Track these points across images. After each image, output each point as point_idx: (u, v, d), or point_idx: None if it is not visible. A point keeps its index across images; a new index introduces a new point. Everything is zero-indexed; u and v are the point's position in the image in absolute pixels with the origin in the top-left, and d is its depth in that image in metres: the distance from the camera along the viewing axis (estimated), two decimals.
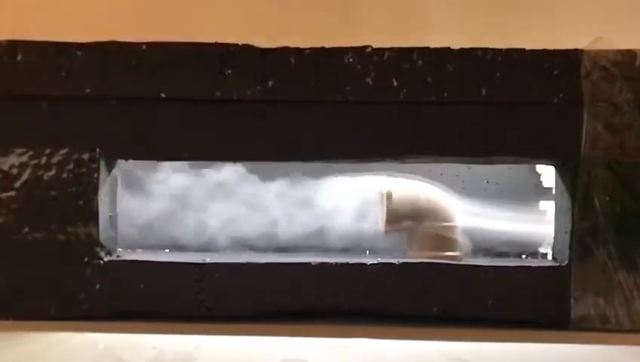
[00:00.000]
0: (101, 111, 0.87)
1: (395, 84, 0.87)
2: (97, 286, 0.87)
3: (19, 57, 0.87)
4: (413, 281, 0.87)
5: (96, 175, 0.87)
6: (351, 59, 0.87)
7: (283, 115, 0.88)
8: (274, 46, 0.87)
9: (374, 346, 0.80)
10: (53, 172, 0.87)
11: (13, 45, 0.87)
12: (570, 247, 0.87)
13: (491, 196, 1.04)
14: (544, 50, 0.87)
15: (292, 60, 0.87)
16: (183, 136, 0.88)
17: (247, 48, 0.87)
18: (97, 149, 0.87)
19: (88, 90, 0.87)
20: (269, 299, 0.87)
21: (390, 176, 0.99)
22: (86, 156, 0.87)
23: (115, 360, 0.72)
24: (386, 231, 0.97)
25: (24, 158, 0.87)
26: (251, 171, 1.01)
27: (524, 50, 0.87)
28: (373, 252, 1.01)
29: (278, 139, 0.88)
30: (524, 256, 1.03)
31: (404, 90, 0.87)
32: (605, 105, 0.86)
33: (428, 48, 0.87)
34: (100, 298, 0.87)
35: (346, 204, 1.02)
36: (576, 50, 0.87)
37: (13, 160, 0.87)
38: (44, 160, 0.87)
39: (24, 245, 0.87)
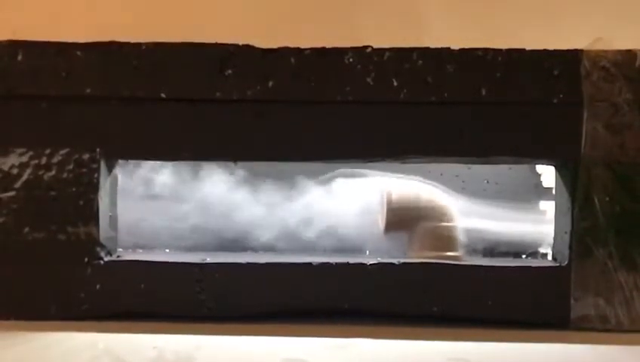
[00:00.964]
0: (101, 111, 0.87)
1: (395, 84, 0.87)
2: (98, 286, 0.87)
3: (19, 57, 0.87)
4: (413, 281, 0.87)
5: (96, 175, 0.87)
6: (351, 60, 0.87)
7: (283, 115, 0.88)
8: (274, 46, 0.87)
9: (374, 346, 0.80)
10: (53, 172, 0.87)
11: (14, 45, 0.87)
12: (570, 247, 0.87)
13: (491, 196, 1.04)
14: (544, 51, 0.87)
15: (292, 60, 0.87)
16: (184, 136, 0.88)
17: (247, 48, 0.87)
18: (97, 149, 0.87)
19: (88, 91, 0.87)
20: (270, 299, 0.87)
21: (390, 176, 0.99)
22: (86, 156, 0.87)
23: (115, 360, 0.72)
24: (386, 231, 0.97)
25: (24, 158, 0.87)
26: (251, 172, 1.01)
27: (524, 50, 0.87)
28: (374, 252, 1.01)
29: (278, 139, 0.88)
30: (524, 256, 1.04)
31: (405, 90, 0.87)
32: (605, 105, 0.86)
33: (428, 48, 0.87)
34: (101, 298, 0.87)
35: (347, 203, 1.02)
36: (576, 50, 0.87)
37: (13, 160, 0.87)
38: (44, 160, 0.87)
39: (24, 245, 0.87)
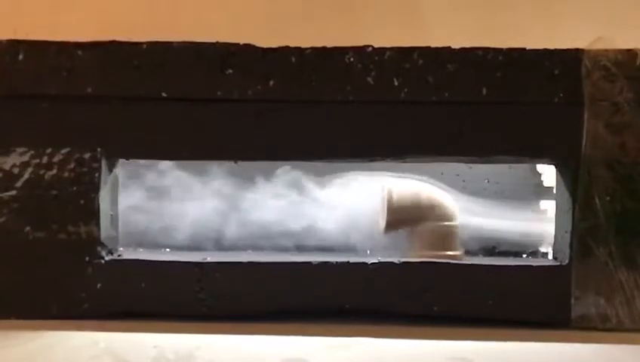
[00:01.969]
0: (102, 110, 0.87)
1: (395, 83, 0.87)
2: (98, 286, 0.87)
3: (20, 57, 0.87)
4: (413, 281, 0.87)
5: (97, 174, 0.87)
6: (352, 59, 0.87)
7: (284, 114, 0.88)
8: (275, 45, 0.87)
9: (375, 345, 0.80)
10: (54, 171, 0.87)
11: (15, 45, 0.87)
12: (571, 247, 0.87)
13: (492, 195, 1.04)
14: (545, 50, 0.87)
15: (293, 60, 0.87)
16: (184, 136, 0.88)
17: (248, 48, 0.87)
18: (98, 149, 0.87)
19: (89, 90, 0.87)
20: (270, 298, 0.87)
21: (391, 175, 0.99)
22: (87, 155, 0.87)
23: (115, 359, 0.72)
24: (387, 231, 0.97)
25: (25, 158, 0.88)
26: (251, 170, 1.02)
27: (524, 49, 0.87)
28: (374, 251, 1.01)
29: (279, 139, 0.88)
30: (524, 256, 1.04)
31: (405, 90, 0.87)
32: (606, 104, 0.86)
33: (429, 48, 0.87)
34: (101, 297, 0.87)
35: (347, 203, 1.02)
36: (577, 49, 0.87)
37: (14, 159, 0.88)
38: (45, 159, 0.87)
39: (25, 244, 0.87)
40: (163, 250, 1.00)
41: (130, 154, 0.90)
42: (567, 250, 0.88)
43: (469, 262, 0.91)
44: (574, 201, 0.87)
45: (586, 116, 0.87)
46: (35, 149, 0.87)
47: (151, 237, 1.00)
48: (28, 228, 0.87)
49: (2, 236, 0.87)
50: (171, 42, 0.87)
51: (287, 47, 0.87)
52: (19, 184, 0.87)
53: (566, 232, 0.89)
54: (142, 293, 0.87)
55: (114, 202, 0.92)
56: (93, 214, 0.87)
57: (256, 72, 0.87)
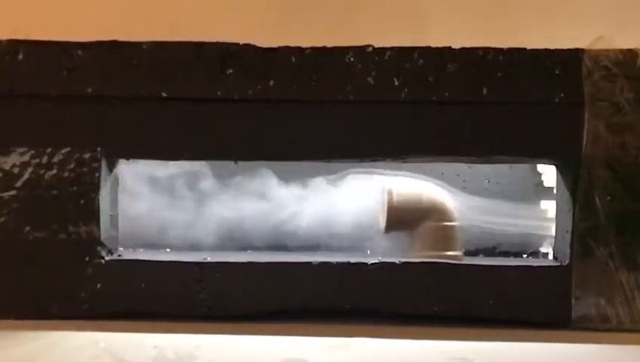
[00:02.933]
0: (102, 110, 0.87)
1: (396, 83, 0.87)
2: (98, 286, 0.87)
3: (20, 57, 0.87)
4: (414, 281, 0.87)
5: (97, 174, 0.87)
6: (352, 59, 0.87)
7: (284, 114, 0.88)
8: (275, 45, 0.87)
9: (375, 345, 0.79)
10: (54, 171, 0.87)
11: (15, 44, 0.87)
12: (571, 247, 0.87)
13: (492, 195, 1.04)
14: (545, 50, 0.87)
15: (293, 60, 0.87)
16: (184, 136, 0.88)
17: (248, 48, 0.87)
18: (98, 148, 0.87)
19: (89, 90, 0.87)
20: (270, 298, 0.87)
21: (391, 175, 0.99)
22: (87, 155, 0.87)
23: (115, 359, 0.72)
24: (387, 231, 0.97)
25: (25, 158, 0.87)
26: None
27: (525, 49, 0.87)
28: (374, 251, 1.01)
29: (279, 139, 0.88)
30: (525, 256, 1.04)
31: (405, 90, 0.87)
32: (606, 104, 0.86)
33: (429, 48, 0.87)
34: (101, 297, 0.87)
35: (348, 203, 1.02)
36: (577, 49, 0.87)
37: (14, 159, 0.87)
38: (45, 159, 0.87)
39: (25, 244, 0.87)
40: (163, 250, 1.00)
41: (130, 154, 0.90)
42: (568, 250, 0.88)
43: (469, 262, 0.91)
44: (575, 201, 0.87)
45: (586, 116, 0.86)
46: (35, 149, 0.87)
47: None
48: (28, 228, 0.87)
49: (2, 236, 0.87)
50: (171, 42, 0.87)
51: (287, 47, 0.87)
52: (19, 184, 0.87)
53: (566, 232, 0.89)
54: (142, 293, 0.87)
55: (114, 202, 0.92)
56: (94, 214, 0.87)
57: (256, 71, 0.87)
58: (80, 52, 0.87)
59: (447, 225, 0.96)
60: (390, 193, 0.96)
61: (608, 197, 0.86)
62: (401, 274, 0.88)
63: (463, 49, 0.87)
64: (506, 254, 1.04)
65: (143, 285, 0.87)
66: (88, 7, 1.13)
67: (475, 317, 0.87)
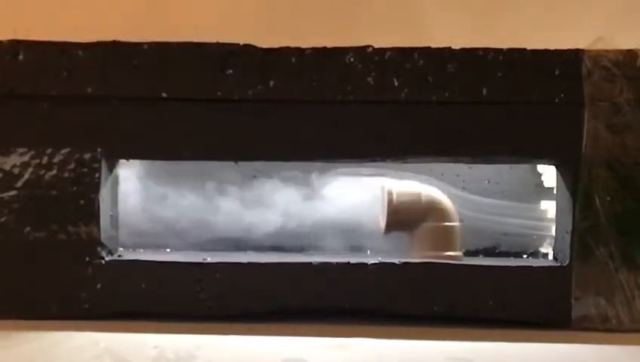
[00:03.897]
0: (102, 110, 0.87)
1: (395, 83, 0.87)
2: (98, 286, 0.87)
3: (20, 57, 0.87)
4: (414, 281, 0.87)
5: (97, 174, 0.87)
6: (352, 59, 0.87)
7: (284, 114, 0.88)
8: (275, 46, 0.87)
9: (375, 346, 0.80)
10: (54, 171, 0.87)
11: (15, 45, 0.87)
12: (571, 247, 0.87)
13: (492, 196, 1.04)
14: (545, 50, 0.87)
15: (293, 60, 0.87)
16: (184, 136, 0.88)
17: (248, 48, 0.87)
18: (98, 149, 0.87)
19: (90, 90, 0.87)
20: (270, 298, 0.87)
21: (391, 175, 0.99)
22: (87, 156, 0.87)
23: (116, 359, 0.72)
24: (387, 231, 0.97)
25: (25, 158, 0.88)
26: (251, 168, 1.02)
27: (525, 50, 0.87)
28: (374, 251, 1.01)
29: (279, 139, 0.88)
30: (525, 256, 1.04)
31: (405, 90, 0.87)
32: (606, 105, 0.86)
33: (429, 48, 0.87)
34: (101, 297, 0.87)
35: (348, 203, 1.02)
36: (577, 50, 0.87)
37: (14, 159, 0.88)
38: (45, 159, 0.87)
39: (25, 244, 0.87)
40: (163, 249, 1.00)
41: (130, 154, 0.90)
42: (568, 251, 0.88)
43: (469, 263, 0.91)
44: (575, 202, 0.87)
45: (586, 116, 0.86)
46: (35, 149, 0.87)
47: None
48: (28, 229, 0.87)
49: (2, 236, 0.87)
50: (171, 42, 0.87)
51: (287, 48, 0.87)
52: (19, 184, 0.87)
53: (566, 232, 0.89)
54: (142, 293, 0.87)
55: (114, 202, 0.92)
56: (94, 214, 0.87)
57: (256, 72, 0.87)
58: (80, 52, 0.87)
59: (447, 226, 0.96)
60: (390, 193, 0.96)
61: (608, 198, 0.86)
62: (402, 274, 0.88)
63: (463, 49, 0.87)
64: (506, 254, 1.04)
65: (143, 285, 0.87)
66: (88, 7, 1.13)
67: (475, 317, 0.87)
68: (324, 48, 0.87)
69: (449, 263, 0.89)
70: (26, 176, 0.87)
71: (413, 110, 0.88)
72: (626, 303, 0.86)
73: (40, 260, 0.87)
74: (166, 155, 0.90)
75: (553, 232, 0.96)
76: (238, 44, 0.87)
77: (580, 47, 0.87)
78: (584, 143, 0.87)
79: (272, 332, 0.83)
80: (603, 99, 0.86)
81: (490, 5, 1.15)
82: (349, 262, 0.88)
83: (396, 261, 0.88)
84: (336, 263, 0.88)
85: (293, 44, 0.87)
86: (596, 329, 0.86)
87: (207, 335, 0.81)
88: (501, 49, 0.87)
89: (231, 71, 0.87)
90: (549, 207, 1.02)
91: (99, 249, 0.87)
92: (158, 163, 0.99)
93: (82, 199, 0.87)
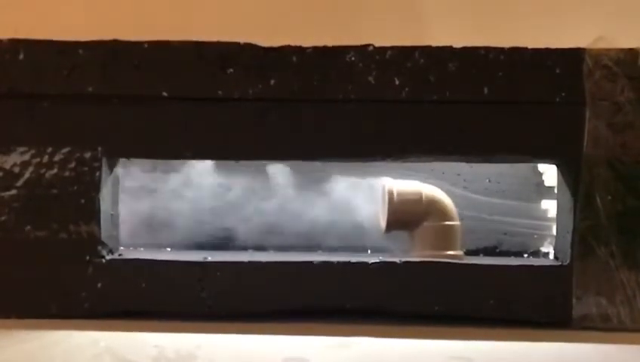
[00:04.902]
0: (103, 110, 0.87)
1: (396, 82, 0.87)
2: (99, 285, 0.87)
3: (21, 56, 0.87)
4: (414, 280, 0.87)
5: (97, 173, 0.87)
6: (353, 58, 0.87)
7: (284, 113, 0.88)
8: (276, 45, 0.87)
9: (376, 345, 0.79)
10: (55, 170, 0.87)
11: (15, 44, 0.87)
12: (572, 246, 0.87)
13: (493, 195, 1.04)
14: (546, 49, 0.87)
15: (294, 59, 0.87)
16: (185, 135, 0.88)
17: (249, 47, 0.87)
18: (99, 148, 0.87)
19: (90, 89, 0.87)
20: (271, 297, 0.87)
21: (392, 175, 0.99)
22: (88, 155, 0.87)
23: (116, 359, 0.72)
24: (388, 230, 0.97)
25: (26, 157, 0.88)
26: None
27: (526, 49, 0.87)
28: (375, 251, 1.01)
29: (280, 138, 0.88)
30: (525, 255, 1.04)
31: (406, 89, 0.87)
32: (607, 104, 0.86)
33: (430, 47, 0.87)
34: (102, 296, 0.87)
35: (348, 203, 1.02)
36: (578, 49, 0.87)
37: (15, 158, 0.88)
38: (45, 158, 0.87)
39: (26, 243, 0.87)
40: (164, 249, 1.00)
41: (130, 153, 0.90)
42: (569, 250, 0.88)
43: (470, 262, 0.90)
44: (576, 201, 0.87)
45: (587, 115, 0.86)
46: (35, 149, 0.87)
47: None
48: (29, 228, 0.87)
49: (3, 235, 0.87)
50: (171, 42, 0.87)
51: (288, 46, 0.87)
52: (19, 183, 0.87)
53: (567, 232, 0.89)
54: (142, 293, 0.87)
55: (114, 201, 0.92)
56: (94, 213, 0.87)
57: (257, 71, 0.87)
58: (80, 51, 0.87)
59: (447, 225, 0.96)
60: (391, 193, 0.96)
61: (609, 197, 0.86)
62: (402, 274, 0.88)
63: (463, 48, 0.87)
64: (506, 254, 1.04)
65: (143, 284, 0.87)
66: (88, 7, 1.13)
67: (475, 317, 0.87)
68: (325, 47, 0.87)
69: (450, 262, 0.89)
70: (27, 175, 0.87)
71: (414, 109, 0.88)
72: (627, 302, 0.86)
73: (40, 259, 0.87)
74: (166, 154, 0.90)
75: (554, 231, 0.96)
76: (239, 43, 0.87)
77: (581, 46, 0.87)
78: (585, 142, 0.86)
79: (272, 331, 0.82)
80: (604, 98, 0.86)
81: (491, 4, 1.15)
82: (349, 262, 0.88)
83: (397, 260, 0.88)
84: (337, 262, 0.88)
85: (293, 43, 0.87)
86: (597, 329, 0.86)
87: (207, 335, 0.81)
88: (502, 48, 0.87)
89: (231, 70, 0.87)
90: (549, 207, 1.02)
91: (99, 248, 0.87)
92: None
93: (83, 198, 0.87)
